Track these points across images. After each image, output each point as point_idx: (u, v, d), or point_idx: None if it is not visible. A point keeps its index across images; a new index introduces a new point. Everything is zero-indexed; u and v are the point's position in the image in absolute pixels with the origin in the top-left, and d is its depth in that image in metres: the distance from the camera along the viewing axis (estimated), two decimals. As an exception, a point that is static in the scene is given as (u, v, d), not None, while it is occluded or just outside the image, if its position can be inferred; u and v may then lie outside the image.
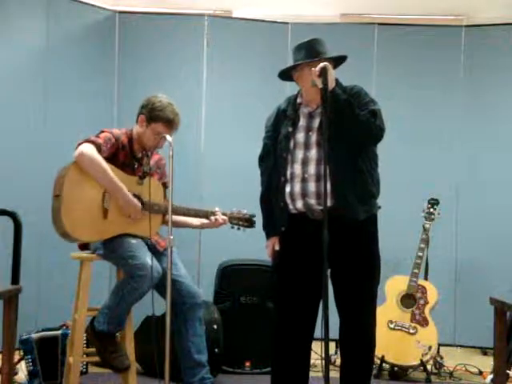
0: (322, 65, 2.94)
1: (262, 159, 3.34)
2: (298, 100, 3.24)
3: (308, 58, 3.11)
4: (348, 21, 5.55)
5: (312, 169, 3.09)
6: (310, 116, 3.18)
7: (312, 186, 3.09)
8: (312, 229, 3.05)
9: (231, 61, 5.21)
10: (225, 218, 3.72)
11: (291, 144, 3.16)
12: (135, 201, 3.48)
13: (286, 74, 3.25)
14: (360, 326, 3.15)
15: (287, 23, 5.26)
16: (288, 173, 3.15)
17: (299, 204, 3.12)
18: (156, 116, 3.55)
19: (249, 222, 3.78)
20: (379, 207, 3.22)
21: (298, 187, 3.12)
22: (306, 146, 3.13)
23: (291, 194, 3.13)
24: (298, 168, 3.13)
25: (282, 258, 3.24)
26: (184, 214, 3.68)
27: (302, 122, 3.18)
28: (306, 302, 3.16)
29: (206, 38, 5.15)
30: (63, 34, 4.87)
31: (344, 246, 3.06)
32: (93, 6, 5.05)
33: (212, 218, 3.70)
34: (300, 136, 3.16)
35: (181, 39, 5.17)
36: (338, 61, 3.19)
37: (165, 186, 3.73)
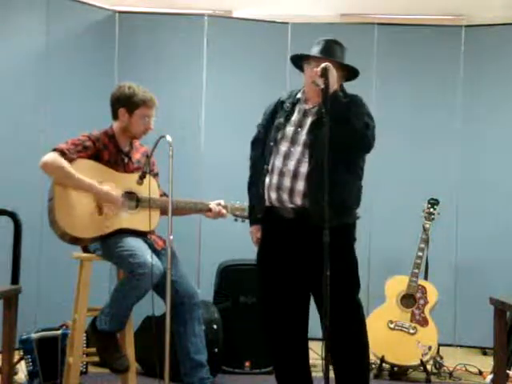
0: (323, 65, 2.91)
1: (253, 144, 3.34)
2: (299, 95, 3.21)
3: (319, 54, 3.08)
4: (348, 21, 5.54)
5: (291, 165, 3.07)
6: (305, 113, 3.15)
7: (287, 182, 3.06)
8: (283, 226, 3.09)
9: (231, 61, 5.20)
10: (224, 211, 3.70)
11: (279, 135, 3.14)
12: (112, 194, 3.47)
13: (298, 63, 3.22)
14: (347, 329, 3.04)
15: (287, 23, 5.25)
16: (270, 164, 3.13)
17: (273, 196, 3.10)
18: (135, 103, 3.60)
19: None
20: (358, 217, 3.16)
21: (275, 180, 3.09)
22: (292, 141, 3.11)
23: (269, 185, 3.12)
24: (279, 161, 3.11)
25: (261, 249, 3.26)
26: (183, 208, 3.68)
27: (295, 117, 3.16)
28: (290, 297, 3.14)
29: (206, 38, 5.16)
30: (63, 34, 4.87)
31: (308, 251, 3.01)
32: (93, 5, 5.05)
33: (216, 208, 3.67)
34: (289, 130, 3.13)
35: (181, 39, 5.17)
36: (350, 72, 3.15)
37: (156, 175, 3.74)
